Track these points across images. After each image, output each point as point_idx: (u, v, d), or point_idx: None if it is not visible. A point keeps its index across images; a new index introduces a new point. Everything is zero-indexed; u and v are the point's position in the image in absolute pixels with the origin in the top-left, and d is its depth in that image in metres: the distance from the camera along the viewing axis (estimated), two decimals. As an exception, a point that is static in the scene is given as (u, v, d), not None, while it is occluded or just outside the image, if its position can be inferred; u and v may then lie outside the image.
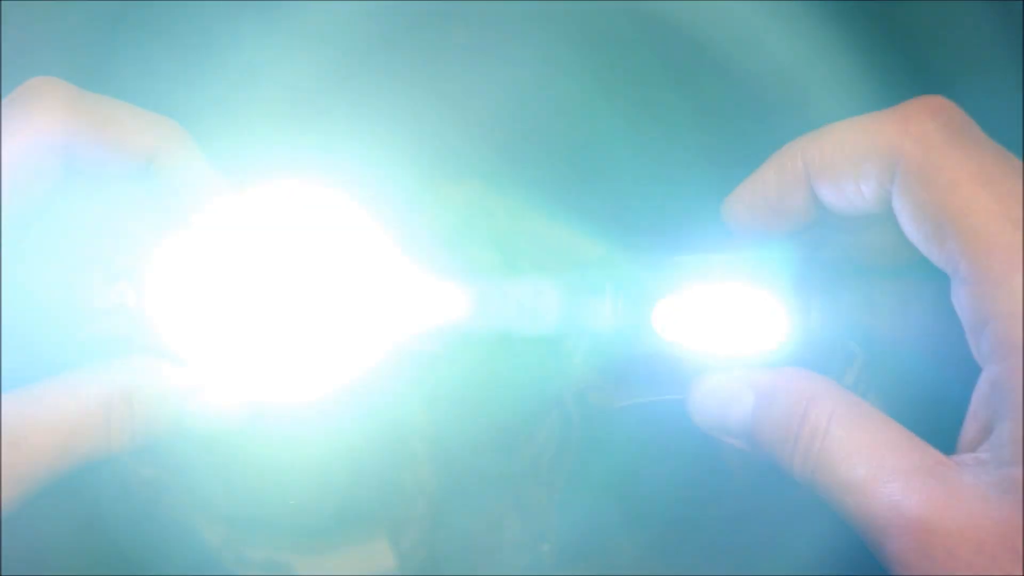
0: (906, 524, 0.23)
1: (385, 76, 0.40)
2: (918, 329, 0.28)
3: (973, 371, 0.25)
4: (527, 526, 0.39)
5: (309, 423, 0.33)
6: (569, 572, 0.38)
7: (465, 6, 0.38)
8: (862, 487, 0.23)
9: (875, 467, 0.23)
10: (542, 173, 0.38)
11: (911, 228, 0.24)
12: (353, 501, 0.37)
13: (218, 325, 0.28)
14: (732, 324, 0.27)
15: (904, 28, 0.33)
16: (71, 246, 0.29)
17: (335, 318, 0.28)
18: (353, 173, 0.37)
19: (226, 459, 0.34)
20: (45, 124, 0.25)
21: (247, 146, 0.36)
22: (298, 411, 0.30)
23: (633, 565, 0.38)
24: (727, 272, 0.27)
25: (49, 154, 0.26)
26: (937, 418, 0.25)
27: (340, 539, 0.38)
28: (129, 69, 0.35)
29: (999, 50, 0.32)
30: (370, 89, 0.40)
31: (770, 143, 0.27)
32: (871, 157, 0.24)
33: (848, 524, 0.24)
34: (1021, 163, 0.24)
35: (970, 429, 0.24)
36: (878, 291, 0.29)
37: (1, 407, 0.25)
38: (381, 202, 0.34)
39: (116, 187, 0.28)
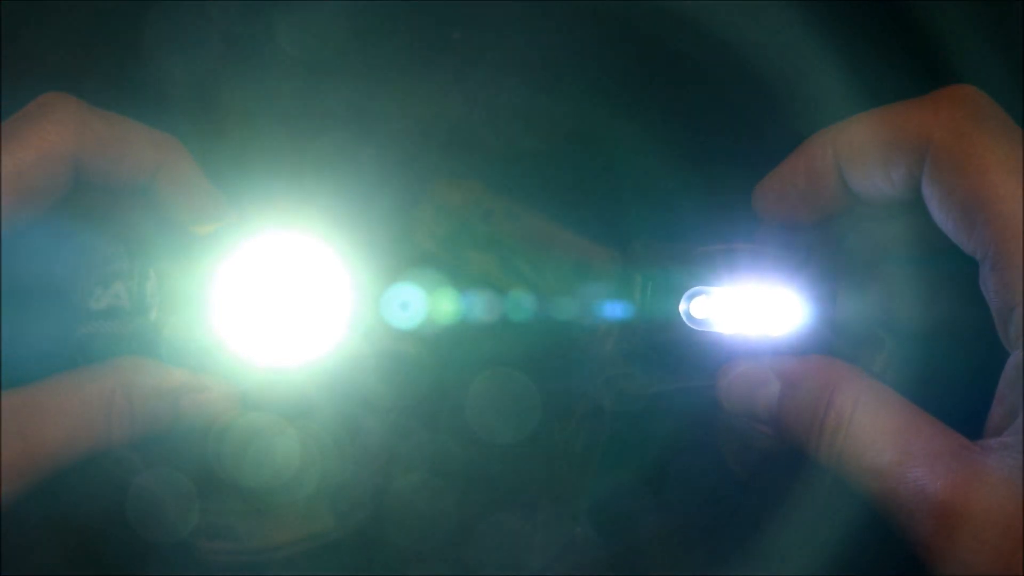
0: (932, 508, 0.23)
1: (398, 73, 0.40)
2: (946, 315, 0.29)
3: (1000, 357, 0.25)
4: (560, 509, 0.40)
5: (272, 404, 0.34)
6: (600, 554, 0.39)
7: (469, 6, 0.38)
8: (888, 472, 0.24)
9: (900, 452, 0.24)
10: (566, 165, 0.38)
11: (940, 214, 0.24)
12: (300, 469, 0.38)
13: (211, 327, 0.29)
14: (759, 312, 0.27)
15: (907, 27, 0.33)
16: (70, 248, 0.30)
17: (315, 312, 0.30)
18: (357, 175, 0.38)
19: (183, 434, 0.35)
20: (57, 137, 0.26)
21: (244, 150, 0.37)
22: (268, 392, 0.31)
23: (663, 549, 0.39)
24: (754, 261, 0.27)
25: (59, 166, 0.26)
26: (964, 403, 0.25)
27: (283, 502, 0.39)
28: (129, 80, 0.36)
29: (999, 50, 0.32)
30: (378, 87, 0.40)
31: (787, 136, 0.27)
32: (901, 145, 0.24)
33: (874, 509, 0.24)
34: None
35: (996, 413, 0.24)
36: (906, 278, 0.29)
37: (9, 402, 0.26)
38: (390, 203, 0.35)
39: (116, 195, 0.29)
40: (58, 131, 0.26)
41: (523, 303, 0.35)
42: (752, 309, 0.27)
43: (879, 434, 0.24)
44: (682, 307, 0.27)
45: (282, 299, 0.29)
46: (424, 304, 0.32)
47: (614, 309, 0.30)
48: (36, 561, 0.35)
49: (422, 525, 0.39)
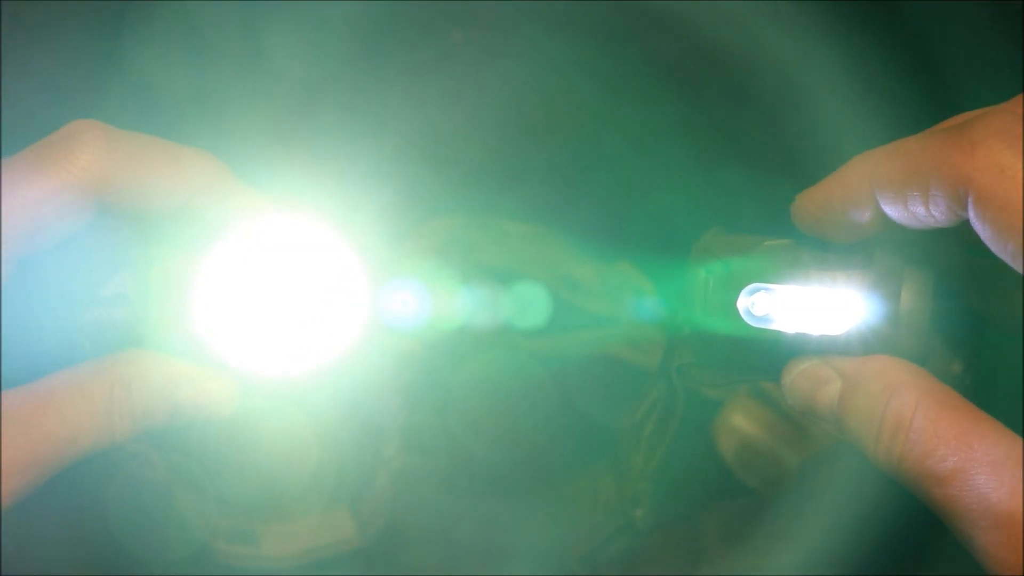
0: (996, 517, 0.23)
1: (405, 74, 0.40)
2: None
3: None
4: (623, 491, 0.40)
5: (281, 403, 0.35)
6: (658, 538, 0.39)
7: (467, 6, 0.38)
8: (949, 479, 0.23)
9: (963, 459, 0.23)
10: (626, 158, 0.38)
11: (995, 247, 0.23)
12: (317, 475, 0.39)
13: (210, 319, 0.29)
14: (822, 310, 0.26)
15: (906, 28, 0.31)
16: (77, 238, 0.31)
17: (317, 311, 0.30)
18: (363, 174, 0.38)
19: (202, 437, 0.35)
20: (82, 170, 0.26)
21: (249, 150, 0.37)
22: (273, 391, 0.31)
23: (717, 537, 0.39)
24: (818, 257, 0.26)
25: (83, 198, 0.26)
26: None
27: (303, 509, 0.40)
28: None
29: (999, 51, 0.30)
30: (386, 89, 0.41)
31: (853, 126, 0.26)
32: (941, 186, 0.23)
33: (937, 515, 0.24)
34: None
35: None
36: (992, 275, 0.28)
37: (11, 400, 0.26)
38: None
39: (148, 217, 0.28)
40: (84, 162, 0.26)
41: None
42: (815, 307, 0.26)
43: (941, 440, 0.23)
44: (742, 303, 0.27)
45: (289, 293, 0.29)
46: (429, 304, 0.32)
47: (681, 301, 0.29)
48: (49, 561, 0.36)
49: (447, 519, 0.40)
